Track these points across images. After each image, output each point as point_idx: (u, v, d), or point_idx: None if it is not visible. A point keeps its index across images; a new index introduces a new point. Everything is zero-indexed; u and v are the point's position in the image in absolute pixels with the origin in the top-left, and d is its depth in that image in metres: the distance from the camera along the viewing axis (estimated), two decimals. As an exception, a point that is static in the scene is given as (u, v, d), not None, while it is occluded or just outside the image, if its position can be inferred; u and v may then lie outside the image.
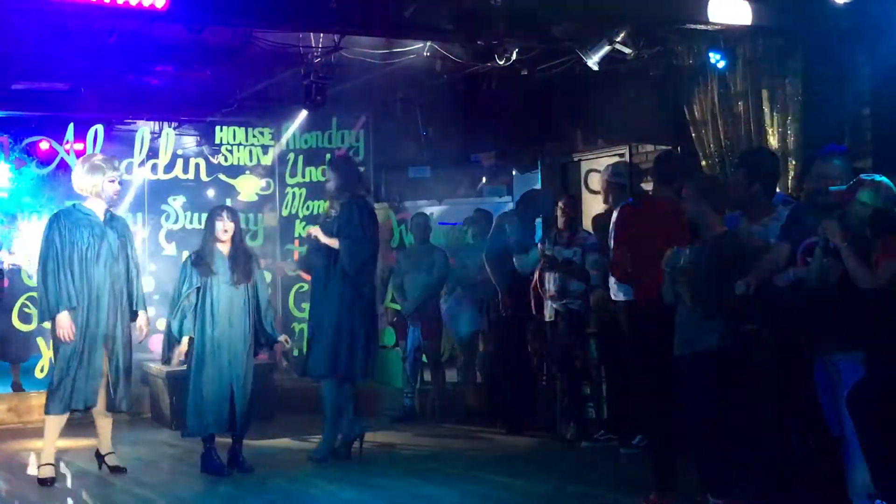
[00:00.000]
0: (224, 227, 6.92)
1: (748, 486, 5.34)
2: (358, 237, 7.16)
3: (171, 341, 6.93)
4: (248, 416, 6.92)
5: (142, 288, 7.01)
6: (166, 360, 7.05)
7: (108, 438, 6.93)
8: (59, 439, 6.85)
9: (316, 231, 7.23)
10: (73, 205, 6.90)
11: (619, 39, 7.34)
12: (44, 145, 10.09)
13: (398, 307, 9.60)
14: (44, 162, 10.04)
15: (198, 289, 6.84)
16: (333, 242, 7.15)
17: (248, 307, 6.95)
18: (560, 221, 8.04)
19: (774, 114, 7.43)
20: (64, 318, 6.53)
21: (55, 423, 6.69)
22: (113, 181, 6.79)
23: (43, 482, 6.58)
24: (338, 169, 7.52)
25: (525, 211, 8.71)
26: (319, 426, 7.40)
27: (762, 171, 5.61)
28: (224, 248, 6.95)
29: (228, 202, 10.52)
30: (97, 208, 6.78)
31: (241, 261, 6.95)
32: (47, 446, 6.71)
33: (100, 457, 6.95)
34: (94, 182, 6.73)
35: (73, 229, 6.64)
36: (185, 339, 6.82)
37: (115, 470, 6.82)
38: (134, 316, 6.89)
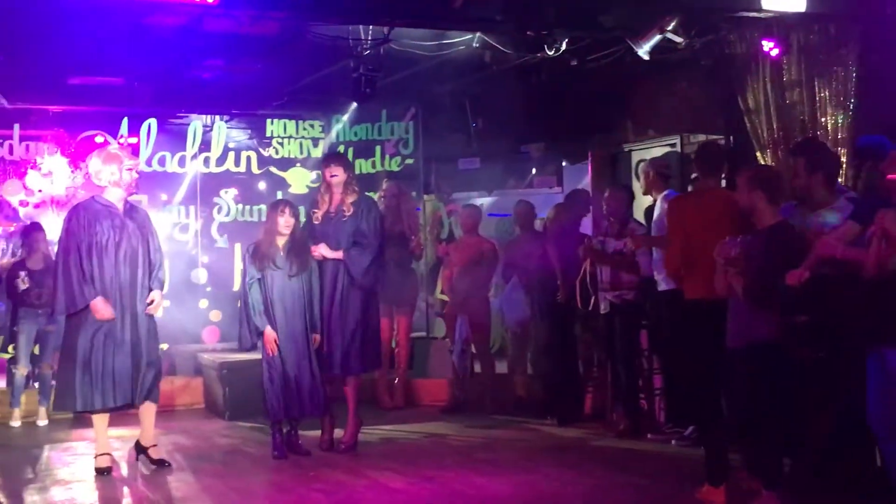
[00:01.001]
0: (286, 223, 7.03)
1: (800, 478, 5.28)
2: (368, 244, 7.20)
3: (250, 330, 7.04)
4: (305, 403, 7.06)
5: (164, 273, 7.02)
6: (248, 346, 7.14)
7: (150, 430, 6.93)
8: (117, 428, 6.96)
9: (323, 250, 7.20)
10: (93, 197, 6.87)
11: (670, 28, 7.29)
12: (99, 139, 10.23)
13: (447, 298, 9.61)
14: (99, 156, 10.17)
15: (259, 280, 6.99)
16: (339, 255, 7.17)
17: (304, 296, 7.06)
18: (605, 213, 8.00)
19: (828, 102, 7.33)
20: (99, 303, 6.55)
21: (97, 417, 6.75)
22: (131, 169, 6.78)
23: (100, 471, 6.69)
24: (344, 163, 7.50)
25: (572, 210, 8.67)
26: (372, 417, 7.51)
27: (823, 161, 5.53)
28: (282, 241, 7.05)
29: (280, 195, 10.62)
30: (116, 199, 6.78)
31: (298, 252, 7.05)
32: (99, 437, 6.81)
33: (141, 449, 6.96)
34: (111, 171, 6.71)
35: (92, 222, 6.65)
36: (268, 329, 6.96)
37: (159, 463, 6.86)
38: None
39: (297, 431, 7.22)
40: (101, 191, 6.79)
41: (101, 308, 6.55)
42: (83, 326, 6.58)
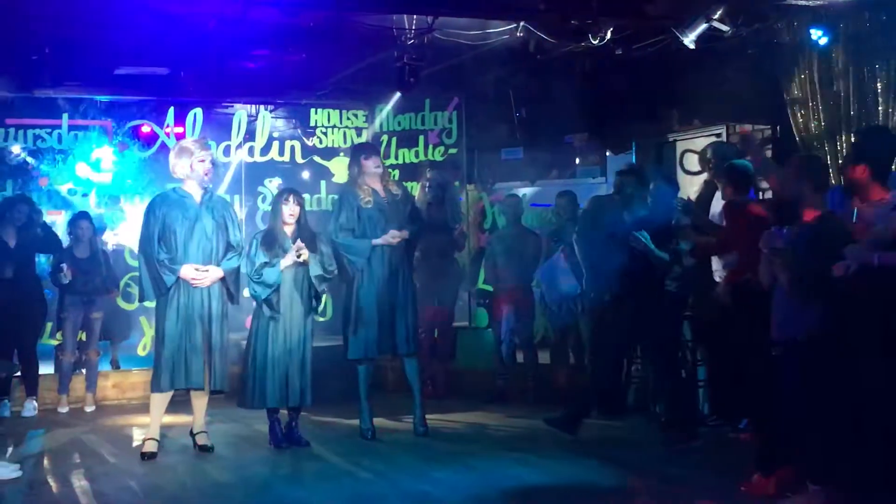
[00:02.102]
0: (290, 212, 7.10)
1: (850, 473, 5.20)
2: (422, 219, 7.80)
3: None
4: (305, 392, 7.11)
5: (237, 261, 7.07)
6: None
7: (201, 417, 7.09)
8: (165, 415, 7.06)
9: (396, 234, 7.36)
10: (173, 188, 7.09)
11: (716, 17, 7.21)
12: (145, 129, 10.33)
13: (490, 288, 9.60)
14: (146, 145, 10.28)
15: (264, 263, 7.03)
16: (405, 234, 7.44)
17: (307, 284, 7.13)
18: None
19: (879, 91, 7.21)
20: (185, 270, 6.76)
21: (158, 400, 6.94)
22: (203, 161, 6.93)
23: (145, 456, 6.80)
24: (379, 153, 7.79)
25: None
26: (411, 406, 7.56)
27: (869, 151, 5.41)
28: (289, 229, 7.13)
29: (323, 185, 10.68)
30: (194, 190, 6.96)
31: (306, 241, 7.09)
32: (152, 422, 6.96)
33: (193, 435, 7.13)
34: (183, 164, 6.92)
35: (168, 212, 6.85)
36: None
37: (203, 449, 6.98)
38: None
39: (297, 423, 7.26)
40: (183, 182, 6.97)
41: (187, 273, 6.77)
42: (163, 313, 6.83)
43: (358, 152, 7.69)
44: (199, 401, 7.05)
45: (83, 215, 9.23)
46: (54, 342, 9.29)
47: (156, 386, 6.89)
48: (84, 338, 9.10)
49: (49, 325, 9.28)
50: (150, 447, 6.87)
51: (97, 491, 6.02)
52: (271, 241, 7.09)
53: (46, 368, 9.16)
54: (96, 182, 10.35)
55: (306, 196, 10.29)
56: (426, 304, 9.10)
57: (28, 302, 8.75)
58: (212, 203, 7.03)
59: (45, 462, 6.89)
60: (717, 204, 7.23)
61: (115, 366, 10.14)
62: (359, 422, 7.49)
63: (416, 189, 9.52)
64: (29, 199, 9.17)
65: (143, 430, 7.28)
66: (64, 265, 8.70)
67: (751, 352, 5.68)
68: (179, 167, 6.95)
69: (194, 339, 6.81)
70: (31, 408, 8.69)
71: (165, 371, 6.80)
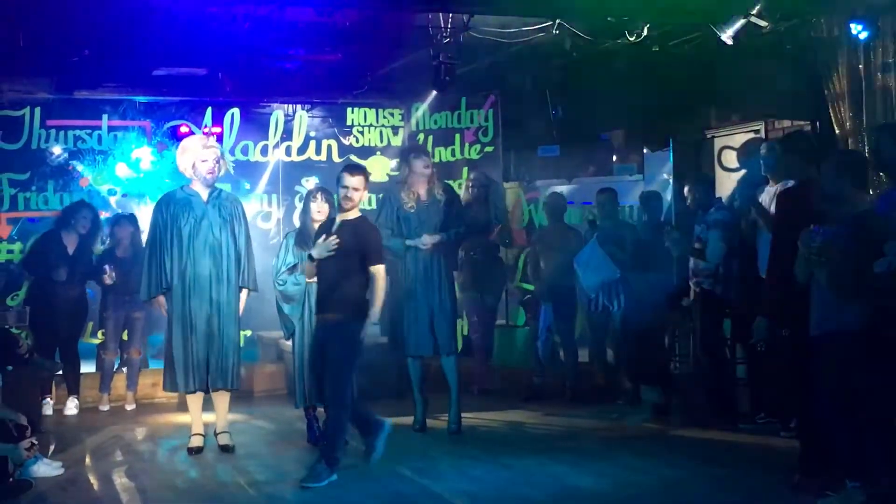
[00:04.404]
0: (318, 209, 7.08)
1: (889, 471, 5.14)
2: (465, 223, 7.73)
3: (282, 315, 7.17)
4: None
5: (249, 265, 7.08)
6: (289, 335, 7.23)
7: (223, 416, 7.09)
8: (208, 413, 7.10)
9: (428, 239, 7.41)
10: (181, 187, 7.11)
11: (754, 12, 7.14)
12: (184, 129, 10.39)
13: (530, 287, 9.58)
14: (184, 145, 10.34)
15: (295, 265, 7.05)
16: (436, 239, 7.44)
17: None
18: (690, 203, 7.90)
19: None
20: (159, 301, 6.93)
21: (191, 398, 7.00)
22: (205, 160, 6.92)
23: (190, 451, 6.90)
24: (429, 154, 7.81)
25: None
26: (446, 404, 7.57)
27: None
28: (319, 227, 7.09)
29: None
30: (201, 189, 6.97)
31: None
32: (193, 419, 7.04)
33: (215, 435, 7.12)
34: (185, 164, 6.97)
35: (175, 211, 6.88)
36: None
37: (224, 449, 6.99)
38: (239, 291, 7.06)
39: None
40: (192, 181, 7.01)
41: (163, 305, 6.94)
42: (173, 314, 6.88)
43: (408, 152, 7.82)
44: (219, 402, 7.07)
45: (123, 217, 9.32)
46: (96, 341, 9.38)
47: (166, 385, 7.02)
48: (125, 337, 9.18)
49: (90, 325, 9.37)
50: (196, 443, 6.96)
51: (138, 488, 6.09)
52: (304, 239, 7.10)
53: (88, 367, 9.25)
54: (136, 181, 10.42)
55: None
56: (473, 302, 9.16)
57: (70, 301, 8.84)
58: (219, 201, 7.02)
59: (87, 459, 6.96)
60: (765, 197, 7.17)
61: (144, 365, 10.17)
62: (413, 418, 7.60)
63: (459, 188, 9.50)
64: (91, 206, 9.23)
65: (183, 428, 7.34)
66: (107, 267, 8.78)
67: (791, 350, 5.61)
68: (183, 166, 6.98)
69: (201, 339, 6.83)
70: (72, 406, 8.79)
71: (174, 372, 6.88)
